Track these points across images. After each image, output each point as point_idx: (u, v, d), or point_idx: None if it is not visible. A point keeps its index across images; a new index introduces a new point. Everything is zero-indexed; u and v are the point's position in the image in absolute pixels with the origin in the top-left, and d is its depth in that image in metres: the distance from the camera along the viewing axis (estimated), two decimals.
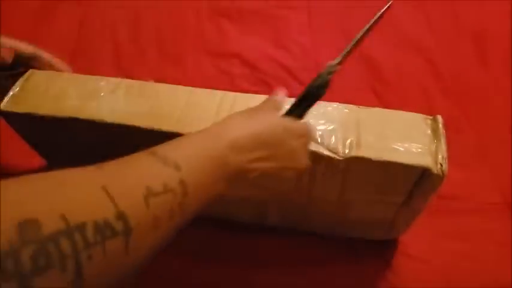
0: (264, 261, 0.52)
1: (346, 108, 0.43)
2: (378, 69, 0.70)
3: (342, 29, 0.75)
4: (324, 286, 0.50)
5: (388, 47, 0.73)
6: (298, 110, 0.39)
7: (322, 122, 0.42)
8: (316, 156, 0.39)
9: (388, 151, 0.39)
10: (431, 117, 0.43)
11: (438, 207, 0.56)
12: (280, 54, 0.71)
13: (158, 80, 0.66)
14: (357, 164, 0.39)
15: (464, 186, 0.58)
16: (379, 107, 0.65)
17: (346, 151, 0.39)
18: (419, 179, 0.39)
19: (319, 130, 0.41)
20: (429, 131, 0.41)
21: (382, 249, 0.52)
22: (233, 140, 0.31)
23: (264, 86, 0.67)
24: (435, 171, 0.38)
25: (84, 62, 0.69)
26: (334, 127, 0.41)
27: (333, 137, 0.40)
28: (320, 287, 0.50)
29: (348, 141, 0.40)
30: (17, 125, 0.48)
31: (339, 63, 0.42)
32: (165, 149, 0.29)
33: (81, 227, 0.21)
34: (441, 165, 0.39)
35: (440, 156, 0.39)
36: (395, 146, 0.39)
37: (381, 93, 0.67)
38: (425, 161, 0.38)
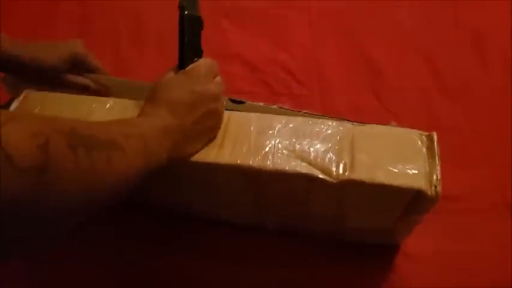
0: (263, 261, 0.52)
1: (340, 126, 0.43)
2: (377, 70, 0.70)
3: (342, 29, 0.75)
4: (324, 286, 0.50)
5: (388, 47, 0.73)
6: (186, 52, 0.42)
7: (316, 141, 0.41)
8: (310, 178, 0.39)
9: (381, 173, 0.38)
10: (426, 134, 0.42)
11: (439, 207, 0.55)
12: (280, 54, 0.71)
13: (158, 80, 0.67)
14: (351, 186, 0.39)
15: (465, 186, 0.57)
16: (379, 107, 0.66)
17: (340, 173, 0.39)
18: (414, 199, 0.39)
19: (314, 150, 0.41)
20: (424, 149, 0.41)
21: (382, 248, 0.52)
22: (162, 120, 0.37)
23: (264, 86, 0.67)
24: (429, 194, 0.38)
25: None
26: (328, 147, 0.41)
27: (327, 158, 0.40)
28: (321, 287, 0.50)
29: (342, 162, 0.40)
30: None
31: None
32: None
33: None
34: (435, 186, 0.38)
35: (434, 178, 0.39)
36: (389, 167, 0.39)
37: (381, 94, 0.67)
38: (419, 183, 0.38)
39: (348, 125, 0.43)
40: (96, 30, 0.72)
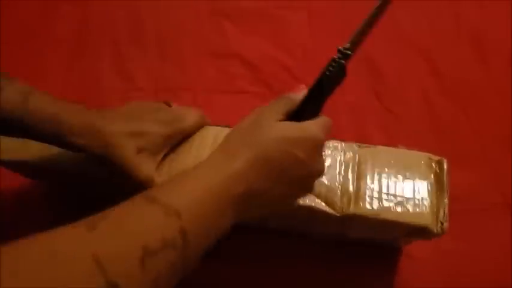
0: (262, 261, 0.52)
1: (346, 149, 0.41)
2: (378, 70, 0.70)
3: (342, 29, 0.75)
4: (324, 286, 0.50)
5: (388, 47, 0.73)
6: (311, 105, 0.34)
7: None
8: (313, 210, 0.38)
9: (386, 207, 0.37)
10: (436, 160, 0.41)
11: None
12: (280, 54, 0.71)
13: (158, 80, 0.67)
14: (355, 218, 0.38)
15: (465, 186, 0.57)
16: (379, 107, 0.66)
17: (344, 206, 0.38)
18: (419, 231, 0.39)
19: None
20: (432, 177, 0.40)
21: (383, 249, 0.52)
22: (235, 171, 0.29)
23: (264, 86, 0.67)
24: (435, 231, 0.37)
25: (84, 62, 0.69)
26: (333, 174, 0.39)
27: (331, 187, 0.38)
28: (321, 286, 0.50)
29: (346, 194, 0.38)
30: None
31: (350, 48, 0.38)
32: (166, 193, 0.27)
33: None
34: (442, 223, 0.38)
35: (441, 213, 0.38)
36: (396, 200, 0.37)
37: (382, 94, 0.67)
38: (426, 221, 0.37)
39: (354, 147, 0.41)
40: (96, 30, 0.71)
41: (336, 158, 0.40)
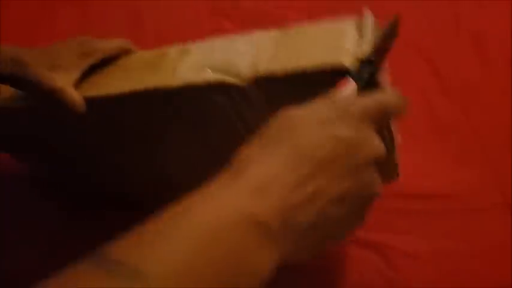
0: None
1: (264, 33, 0.37)
2: None
3: None
4: (324, 285, 0.50)
5: None
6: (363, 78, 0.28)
7: (235, 51, 0.36)
8: (220, 85, 0.34)
9: (297, 61, 0.32)
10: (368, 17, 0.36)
11: (438, 207, 0.56)
12: None
13: None
14: (267, 86, 0.33)
15: (465, 186, 0.58)
16: None
17: (250, 73, 0.33)
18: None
19: (228, 59, 0.35)
20: (354, 29, 0.35)
21: (383, 248, 0.52)
22: (258, 182, 0.19)
23: None
24: (352, 69, 0.30)
25: None
26: (245, 53, 0.35)
27: (241, 63, 0.34)
28: (320, 286, 0.50)
29: (258, 64, 0.34)
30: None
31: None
32: (133, 256, 0.17)
33: None
34: (362, 62, 0.31)
35: (362, 52, 0.32)
36: (308, 54, 0.32)
37: None
38: (340, 59, 0.31)
39: (274, 32, 0.37)
40: (96, 30, 0.71)
41: (253, 40, 0.37)
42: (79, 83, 0.39)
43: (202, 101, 0.36)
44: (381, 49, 0.33)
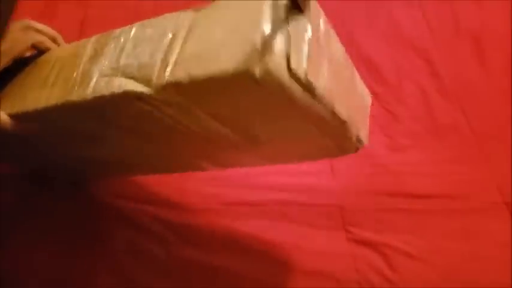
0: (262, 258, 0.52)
1: (179, 16, 0.32)
2: (376, 70, 0.70)
3: (341, 30, 0.75)
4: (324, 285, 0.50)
5: (387, 47, 0.73)
6: None
7: (146, 47, 0.32)
8: (131, 96, 0.30)
9: (204, 65, 0.27)
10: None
11: (438, 207, 0.56)
12: None
13: None
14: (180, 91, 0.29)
15: (464, 186, 0.58)
16: (378, 107, 0.66)
17: (160, 78, 0.29)
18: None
19: (139, 59, 0.31)
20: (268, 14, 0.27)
21: (382, 248, 0.52)
22: None
23: None
24: (257, 74, 0.25)
25: None
26: (156, 49, 0.31)
27: (151, 63, 0.30)
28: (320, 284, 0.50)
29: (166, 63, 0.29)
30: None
31: None
32: None
33: None
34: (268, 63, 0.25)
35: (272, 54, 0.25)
36: (218, 53, 0.27)
37: (380, 94, 0.67)
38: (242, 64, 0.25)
39: (190, 13, 0.32)
40: (96, 30, 0.71)
41: (166, 28, 0.33)
42: None
43: (124, 108, 0.32)
44: None
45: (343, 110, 0.31)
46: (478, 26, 0.75)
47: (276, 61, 0.25)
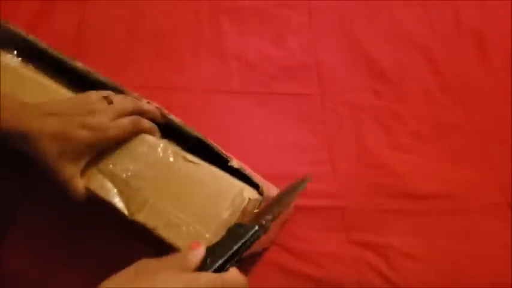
0: None
1: (170, 157, 0.42)
2: (378, 69, 0.70)
3: (342, 29, 0.75)
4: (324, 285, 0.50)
5: (388, 46, 0.73)
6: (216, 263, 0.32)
7: (137, 166, 0.41)
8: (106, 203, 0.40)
9: (167, 223, 0.38)
10: (246, 200, 0.39)
11: (439, 207, 0.56)
12: (280, 53, 0.70)
13: (156, 80, 0.67)
14: (139, 226, 0.39)
15: (465, 186, 0.57)
16: (380, 106, 0.66)
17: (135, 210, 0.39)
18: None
19: (129, 174, 0.41)
20: (227, 211, 0.38)
21: (382, 248, 0.52)
22: None
23: (264, 86, 0.67)
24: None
25: (82, 61, 0.69)
26: (144, 179, 0.41)
27: (138, 187, 0.40)
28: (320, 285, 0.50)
29: (145, 204, 0.39)
30: None
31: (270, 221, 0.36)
32: None
33: None
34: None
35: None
36: (180, 221, 0.38)
37: (382, 93, 0.67)
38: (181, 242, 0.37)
39: (180, 161, 0.42)
40: (95, 30, 0.71)
41: (159, 158, 0.42)
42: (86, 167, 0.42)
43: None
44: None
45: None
46: (481, 25, 0.75)
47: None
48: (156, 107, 0.46)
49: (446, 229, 0.54)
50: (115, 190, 0.41)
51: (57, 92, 0.47)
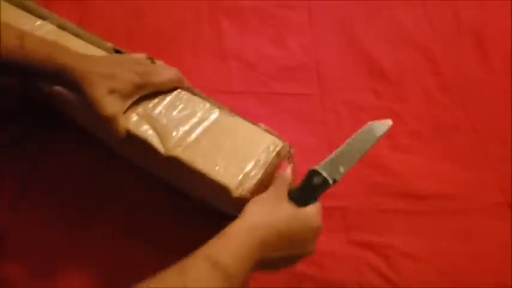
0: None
1: (211, 111, 0.46)
2: (378, 69, 0.70)
3: (342, 29, 0.75)
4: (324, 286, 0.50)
5: (388, 46, 0.73)
6: (303, 199, 0.40)
7: (177, 117, 0.45)
8: (143, 140, 0.43)
9: (206, 161, 0.42)
10: (281, 146, 0.44)
11: (439, 207, 0.56)
12: (280, 53, 0.71)
13: None
14: (177, 163, 0.42)
15: (465, 186, 0.57)
16: (380, 106, 0.66)
17: (171, 148, 0.42)
18: (223, 192, 0.41)
19: (168, 121, 0.44)
20: (263, 155, 0.43)
21: (382, 248, 0.52)
22: (264, 241, 0.36)
23: (264, 86, 0.67)
24: (233, 195, 0.40)
25: None
26: (184, 123, 0.44)
27: (174, 131, 0.44)
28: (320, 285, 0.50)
29: (181, 142, 0.43)
30: None
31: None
32: (218, 252, 0.34)
33: None
34: (243, 190, 0.41)
35: (248, 184, 0.41)
36: (217, 159, 0.42)
37: (382, 93, 0.67)
38: (229, 181, 0.41)
39: (216, 113, 0.46)
40: (95, 30, 0.71)
41: (197, 111, 0.46)
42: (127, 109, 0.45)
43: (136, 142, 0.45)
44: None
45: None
46: (481, 25, 0.75)
47: (244, 193, 0.41)
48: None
49: (446, 229, 0.54)
50: (151, 131, 0.44)
51: (97, 52, 0.51)
